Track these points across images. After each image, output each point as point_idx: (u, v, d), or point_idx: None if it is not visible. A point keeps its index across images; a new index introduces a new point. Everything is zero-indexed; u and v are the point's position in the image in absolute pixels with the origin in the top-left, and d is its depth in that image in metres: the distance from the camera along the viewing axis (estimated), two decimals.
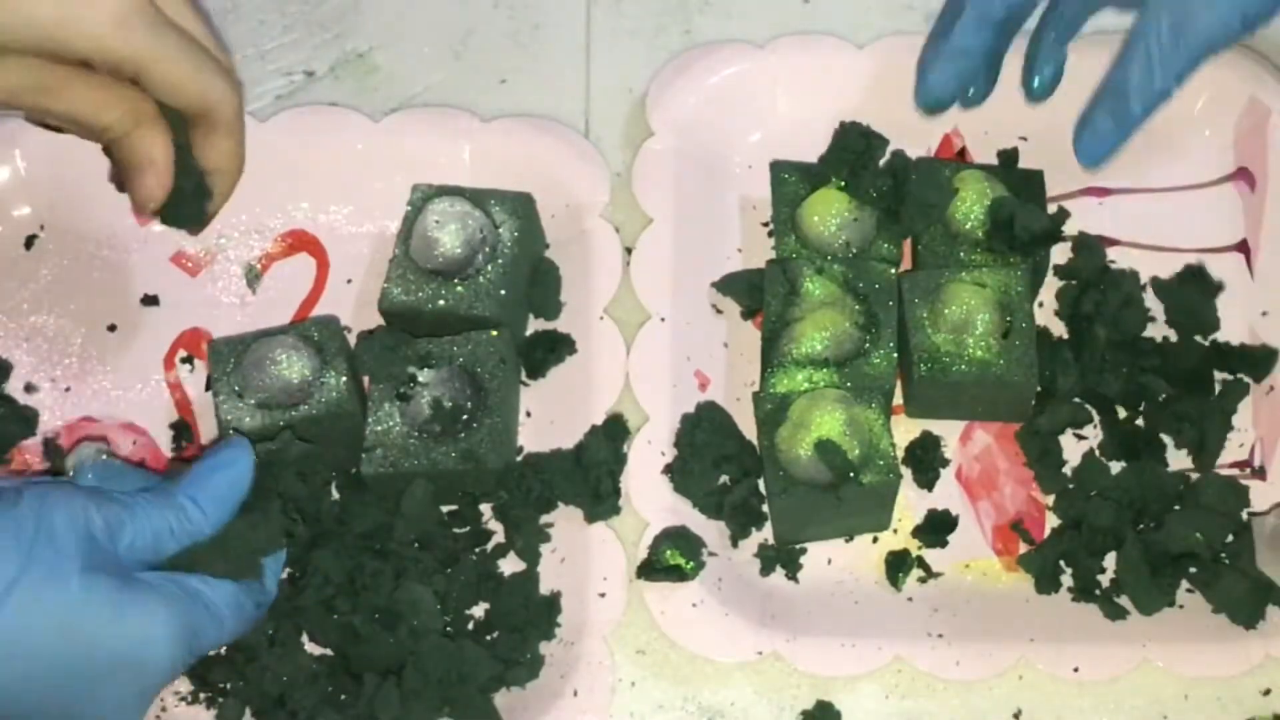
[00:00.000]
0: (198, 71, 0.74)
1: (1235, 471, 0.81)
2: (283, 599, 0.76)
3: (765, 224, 0.86)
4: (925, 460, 0.81)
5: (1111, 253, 0.86)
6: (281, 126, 0.88)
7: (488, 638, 0.77)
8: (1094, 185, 0.87)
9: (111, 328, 0.87)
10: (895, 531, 0.81)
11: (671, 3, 0.93)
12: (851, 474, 0.76)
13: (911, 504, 0.81)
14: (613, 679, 0.77)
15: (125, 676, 0.69)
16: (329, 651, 0.77)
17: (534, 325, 0.85)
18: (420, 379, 0.80)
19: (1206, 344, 0.82)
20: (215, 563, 0.72)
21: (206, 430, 0.84)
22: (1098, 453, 0.81)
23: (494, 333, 0.81)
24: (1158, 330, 0.83)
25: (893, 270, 0.82)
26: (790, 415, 0.78)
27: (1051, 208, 0.85)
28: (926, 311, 0.80)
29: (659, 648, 0.78)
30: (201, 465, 0.74)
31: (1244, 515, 0.79)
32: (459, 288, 0.81)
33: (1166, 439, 0.81)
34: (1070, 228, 0.85)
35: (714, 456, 0.80)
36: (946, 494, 0.81)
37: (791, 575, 0.80)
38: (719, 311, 0.85)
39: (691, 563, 0.78)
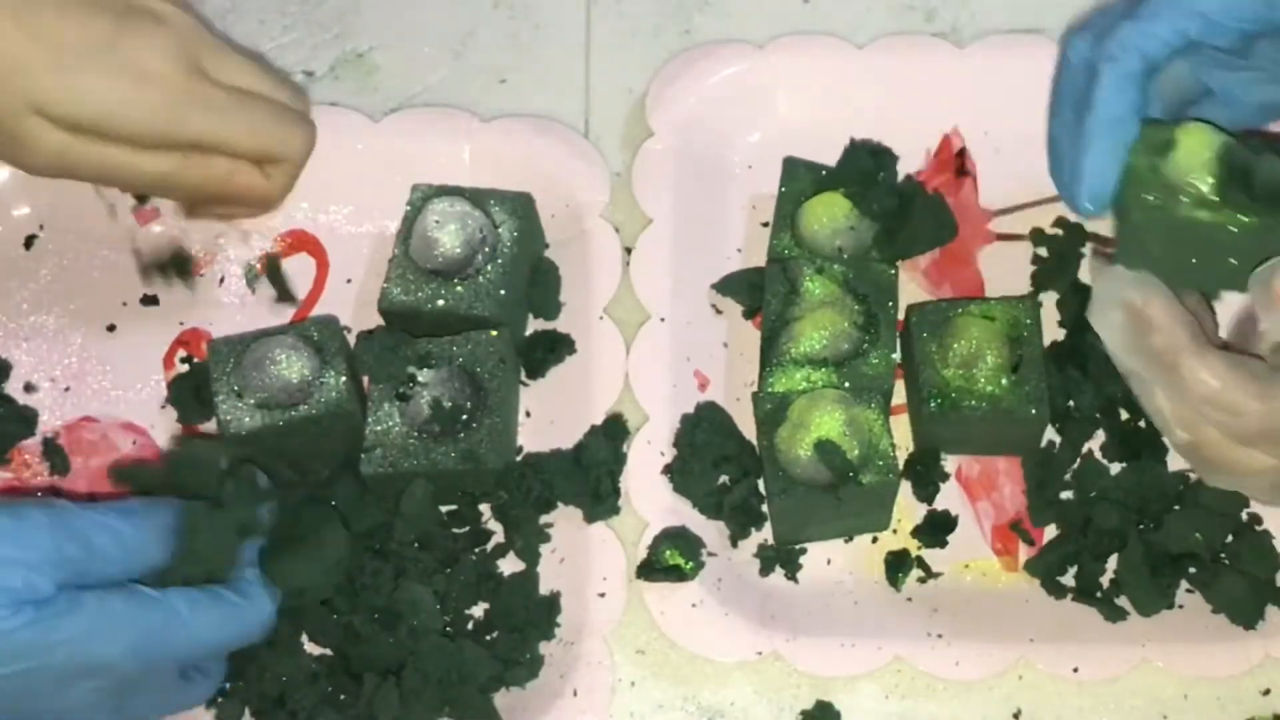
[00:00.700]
0: (258, 132, 0.79)
1: None
2: (283, 600, 0.76)
3: (765, 224, 0.86)
4: (925, 475, 0.81)
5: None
6: None
7: (487, 638, 0.77)
8: None
9: (111, 328, 0.87)
10: (895, 531, 0.81)
11: (671, 3, 0.93)
12: (851, 474, 0.76)
13: (911, 504, 0.81)
14: (612, 679, 0.77)
15: (86, 686, 0.68)
16: (329, 651, 0.77)
17: (534, 325, 0.85)
18: (420, 379, 0.80)
19: None
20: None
21: (205, 429, 0.84)
22: (1098, 453, 0.81)
23: (494, 333, 0.81)
24: None
25: (892, 271, 0.82)
26: (790, 415, 0.78)
27: (1051, 209, 0.85)
28: (935, 345, 0.79)
29: (659, 648, 0.78)
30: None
31: (1244, 516, 0.79)
32: (459, 288, 0.81)
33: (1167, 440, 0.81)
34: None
35: (713, 456, 0.80)
36: (946, 494, 0.81)
37: (791, 575, 0.80)
38: (718, 311, 0.85)
39: (691, 563, 0.78)
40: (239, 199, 0.81)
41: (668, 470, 0.81)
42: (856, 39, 0.89)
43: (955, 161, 0.88)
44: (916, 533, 0.80)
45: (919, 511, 0.81)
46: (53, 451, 0.83)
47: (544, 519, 0.80)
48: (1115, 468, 0.80)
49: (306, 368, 0.80)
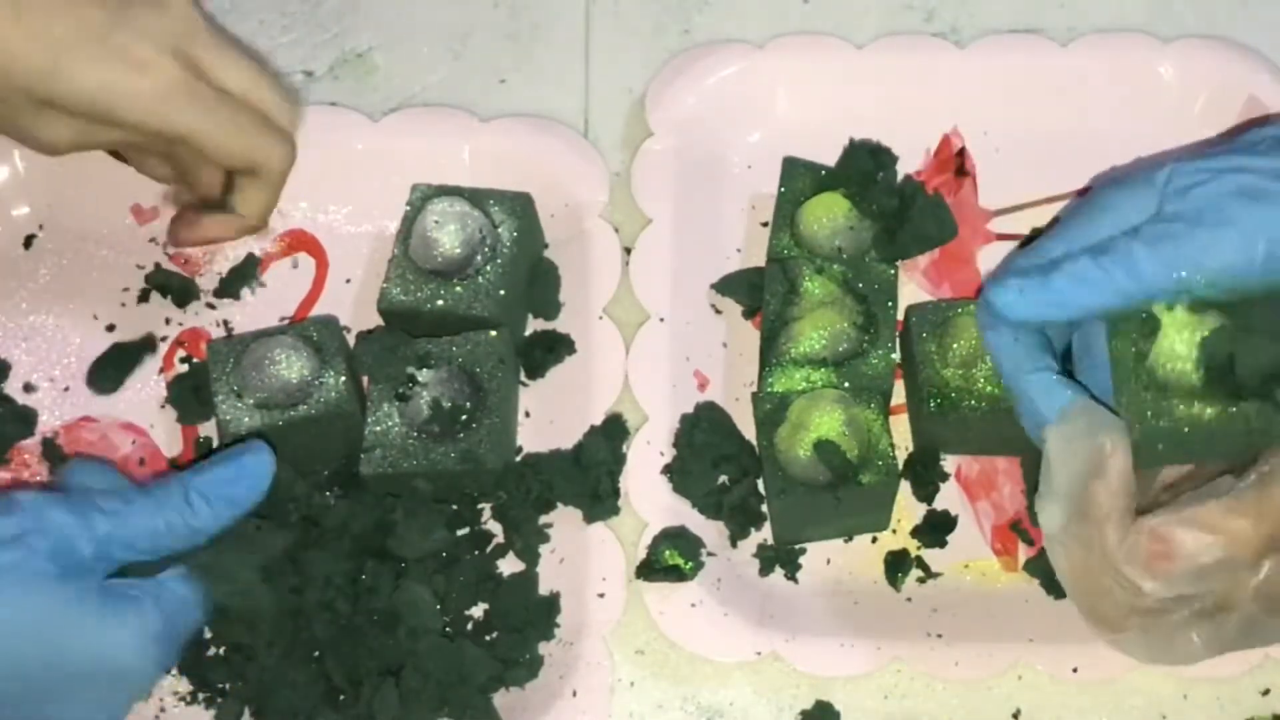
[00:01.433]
0: (241, 138, 0.79)
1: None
2: (282, 599, 0.76)
3: (764, 224, 0.86)
4: (925, 475, 0.81)
5: None
6: None
7: (487, 638, 0.77)
8: (1093, 185, 0.87)
9: (110, 327, 0.86)
10: (894, 532, 0.81)
11: (670, 2, 0.93)
12: (850, 474, 0.76)
13: (911, 504, 0.81)
14: (612, 679, 0.77)
15: (99, 684, 0.69)
16: (329, 652, 0.77)
17: (533, 325, 0.85)
18: (419, 379, 0.80)
19: None
20: (208, 566, 0.73)
21: (204, 429, 0.84)
22: None
23: (493, 333, 0.81)
24: None
25: (891, 271, 0.82)
26: (789, 415, 0.78)
27: (1050, 209, 0.85)
28: (934, 345, 0.79)
29: (658, 648, 0.78)
30: (222, 469, 0.74)
31: None
32: (458, 288, 0.81)
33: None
34: None
35: (713, 457, 0.80)
36: (946, 494, 0.81)
37: (790, 575, 0.80)
38: (718, 311, 0.85)
39: (690, 563, 0.78)
40: (197, 188, 0.83)
41: (667, 470, 0.81)
42: (856, 39, 0.89)
43: (955, 161, 0.88)
44: (916, 533, 0.81)
45: (918, 511, 0.81)
46: (52, 451, 0.83)
47: (543, 519, 0.80)
48: None
49: (306, 368, 0.80)
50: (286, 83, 0.90)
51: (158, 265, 0.87)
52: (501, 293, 0.81)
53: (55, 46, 0.75)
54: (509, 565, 0.80)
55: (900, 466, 0.79)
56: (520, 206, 0.84)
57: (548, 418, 0.83)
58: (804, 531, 0.80)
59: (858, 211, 0.83)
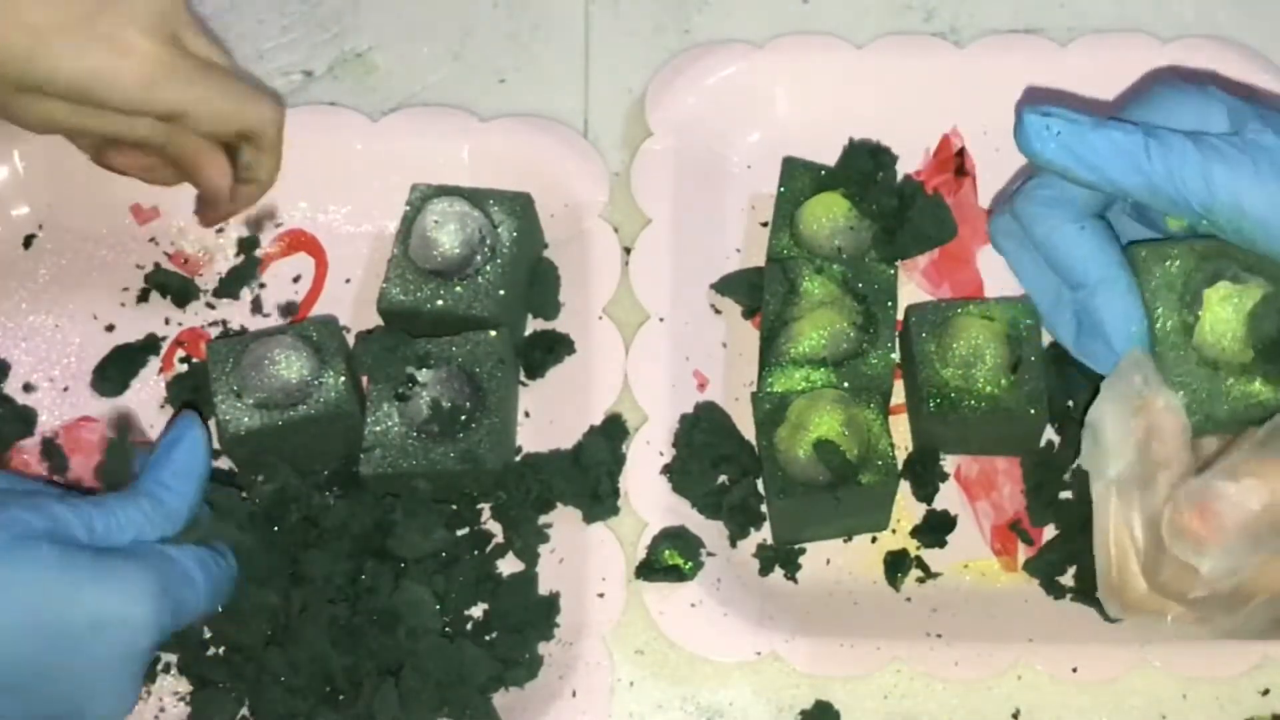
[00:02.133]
0: (235, 104, 0.81)
1: None
2: (282, 600, 0.76)
3: (764, 224, 0.86)
4: (924, 475, 0.81)
5: None
6: None
7: (486, 638, 0.77)
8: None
9: (110, 327, 0.86)
10: (894, 532, 0.81)
11: (670, 2, 0.93)
12: (850, 474, 0.76)
13: (910, 504, 0.81)
14: (611, 679, 0.77)
15: (109, 636, 0.68)
16: (328, 652, 0.77)
17: (533, 325, 0.85)
18: (419, 379, 0.80)
19: None
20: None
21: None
22: None
23: (493, 333, 0.81)
24: None
25: (891, 271, 0.82)
26: (789, 415, 0.78)
27: None
28: (934, 346, 0.79)
29: (658, 648, 0.78)
30: (157, 451, 0.75)
31: None
32: (458, 288, 0.81)
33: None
34: None
35: (713, 457, 0.80)
36: (945, 494, 0.81)
37: (790, 575, 0.80)
38: (718, 311, 0.85)
39: (690, 563, 0.78)
40: (209, 184, 0.83)
41: (667, 470, 0.81)
42: (856, 39, 0.89)
43: (954, 161, 0.88)
44: (916, 533, 0.80)
45: (918, 511, 0.81)
46: (51, 451, 0.83)
47: (543, 519, 0.80)
48: None
49: (305, 368, 0.80)
50: (282, 80, 0.91)
51: (157, 265, 0.87)
52: (501, 293, 0.81)
53: (38, 33, 0.75)
54: (508, 565, 0.80)
55: (900, 466, 0.79)
56: (520, 206, 0.83)
57: (547, 418, 0.83)
58: (803, 531, 0.80)
59: (857, 211, 0.83)
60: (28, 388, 0.85)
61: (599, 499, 0.79)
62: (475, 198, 0.83)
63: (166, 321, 0.86)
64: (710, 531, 0.80)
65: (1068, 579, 0.79)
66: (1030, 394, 0.78)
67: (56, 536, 0.68)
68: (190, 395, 0.84)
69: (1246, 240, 0.70)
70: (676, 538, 0.79)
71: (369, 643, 0.76)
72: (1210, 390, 0.70)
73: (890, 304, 0.81)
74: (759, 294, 0.83)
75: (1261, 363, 0.69)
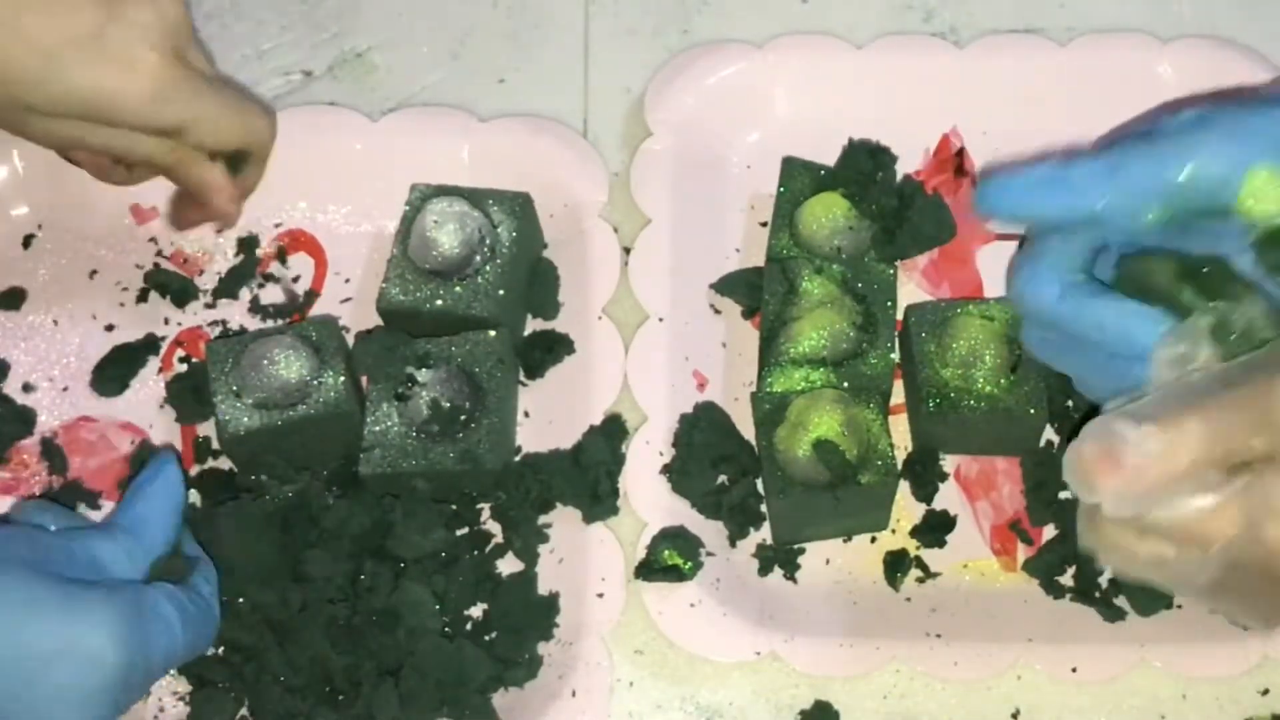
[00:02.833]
0: (237, 119, 0.81)
1: None
2: (281, 600, 0.76)
3: (764, 224, 0.86)
4: (924, 475, 0.81)
5: None
6: (280, 126, 0.88)
7: (486, 638, 0.77)
8: None
9: (109, 327, 0.86)
10: (894, 531, 0.81)
11: (670, 2, 0.93)
12: (850, 474, 0.76)
13: (910, 504, 0.81)
14: (611, 679, 0.77)
15: (69, 668, 0.66)
16: (328, 652, 0.77)
17: (532, 325, 0.85)
18: (418, 379, 0.80)
19: None
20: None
21: (204, 429, 0.84)
22: None
23: (492, 333, 0.81)
24: None
25: (891, 271, 0.82)
26: (788, 415, 0.78)
27: None
28: (934, 345, 0.79)
29: (657, 648, 0.78)
30: (133, 488, 0.75)
31: None
32: (457, 288, 0.81)
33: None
34: None
35: (712, 457, 0.80)
36: (945, 494, 0.81)
37: (790, 575, 0.80)
38: (717, 311, 0.85)
39: (690, 563, 0.78)
40: (201, 190, 0.83)
41: (666, 470, 0.81)
42: (855, 39, 0.89)
43: (954, 161, 0.88)
44: (915, 533, 0.80)
45: (918, 511, 0.81)
46: (51, 451, 0.83)
47: (542, 519, 0.80)
48: None
49: (305, 368, 0.80)
50: (282, 80, 0.91)
51: (156, 265, 0.87)
52: (501, 293, 0.81)
53: (50, 55, 0.75)
54: (508, 565, 0.80)
55: (899, 466, 0.79)
56: (519, 206, 0.83)
57: (547, 418, 0.83)
58: (803, 531, 0.80)
59: (857, 211, 0.83)
60: (27, 388, 0.85)
61: (598, 499, 0.79)
62: (475, 198, 0.83)
63: (166, 321, 0.86)
64: (710, 531, 0.80)
65: (1067, 579, 0.79)
66: (1030, 394, 0.78)
67: (33, 564, 0.68)
68: (190, 395, 0.84)
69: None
70: (676, 538, 0.79)
71: (368, 643, 0.76)
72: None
73: (890, 304, 0.81)
74: (758, 294, 0.83)
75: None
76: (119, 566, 0.71)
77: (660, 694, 0.78)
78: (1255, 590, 0.59)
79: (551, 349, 0.84)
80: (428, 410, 0.79)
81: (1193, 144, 0.63)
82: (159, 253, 0.88)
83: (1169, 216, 0.64)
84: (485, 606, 0.79)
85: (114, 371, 0.84)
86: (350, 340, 0.84)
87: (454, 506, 0.80)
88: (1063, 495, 0.80)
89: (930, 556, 0.80)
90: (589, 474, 0.80)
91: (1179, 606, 0.78)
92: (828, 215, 0.83)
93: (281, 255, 0.87)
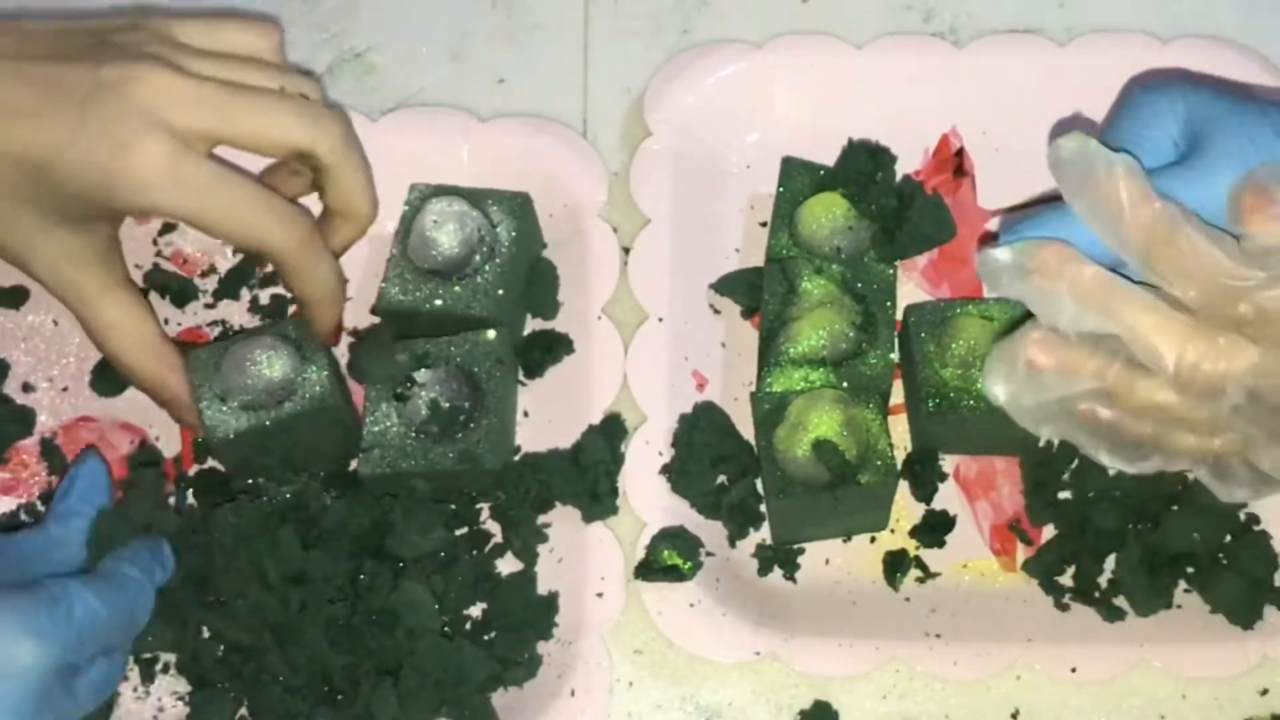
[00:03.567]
0: (251, 218, 0.76)
1: None
2: (280, 600, 0.76)
3: (763, 224, 0.86)
4: (923, 475, 0.81)
5: None
6: None
7: (485, 638, 0.77)
8: None
9: None
10: (893, 531, 0.81)
11: (669, 2, 0.93)
12: (849, 474, 0.76)
13: (909, 504, 0.81)
14: (610, 679, 0.77)
15: None
16: (327, 652, 0.77)
17: (532, 325, 0.85)
18: (417, 379, 0.80)
19: None
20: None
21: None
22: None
23: (491, 333, 0.81)
24: None
25: (890, 271, 0.82)
26: (788, 415, 0.78)
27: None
28: (933, 345, 0.79)
29: (656, 648, 0.78)
30: (60, 486, 0.76)
31: (1242, 516, 0.79)
32: (456, 288, 0.81)
33: None
34: None
35: (712, 456, 0.80)
36: (944, 494, 0.81)
37: (789, 575, 0.80)
38: (717, 311, 0.85)
39: (689, 563, 0.78)
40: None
41: (666, 470, 0.81)
42: (855, 39, 0.89)
43: (953, 161, 0.88)
44: (915, 533, 0.81)
45: (917, 511, 0.81)
46: (51, 451, 0.83)
47: (542, 519, 0.80)
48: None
49: (287, 365, 0.79)
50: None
51: (156, 265, 0.87)
52: (500, 292, 0.81)
53: (39, 155, 0.73)
54: (507, 565, 0.80)
55: (899, 466, 0.79)
56: (519, 206, 0.83)
57: (546, 418, 0.83)
58: (803, 531, 0.80)
59: (856, 211, 0.83)
60: (27, 388, 0.85)
61: (598, 499, 0.79)
62: (474, 197, 0.83)
63: (166, 321, 0.86)
64: (709, 531, 0.80)
65: (1067, 579, 0.79)
66: None
67: None
68: None
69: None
70: (675, 537, 0.79)
71: (368, 643, 0.76)
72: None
73: (889, 304, 0.81)
74: (758, 294, 0.83)
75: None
76: (48, 561, 0.72)
77: (660, 694, 0.78)
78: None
79: (551, 349, 0.84)
80: (427, 410, 0.79)
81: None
82: (159, 253, 0.88)
83: None
84: (484, 606, 0.79)
85: (114, 372, 0.84)
86: (348, 340, 0.84)
87: (453, 506, 0.80)
88: (1062, 495, 0.80)
89: (930, 556, 0.80)
90: (588, 474, 0.80)
91: (1179, 607, 0.78)
92: (827, 215, 0.83)
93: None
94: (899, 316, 0.82)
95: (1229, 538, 0.78)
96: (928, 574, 0.80)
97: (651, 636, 0.78)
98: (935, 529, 0.80)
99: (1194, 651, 0.76)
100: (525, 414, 0.83)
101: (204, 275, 0.87)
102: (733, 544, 0.80)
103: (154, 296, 0.87)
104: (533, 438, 0.82)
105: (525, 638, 0.77)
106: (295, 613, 0.76)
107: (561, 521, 0.80)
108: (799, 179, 0.84)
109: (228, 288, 0.87)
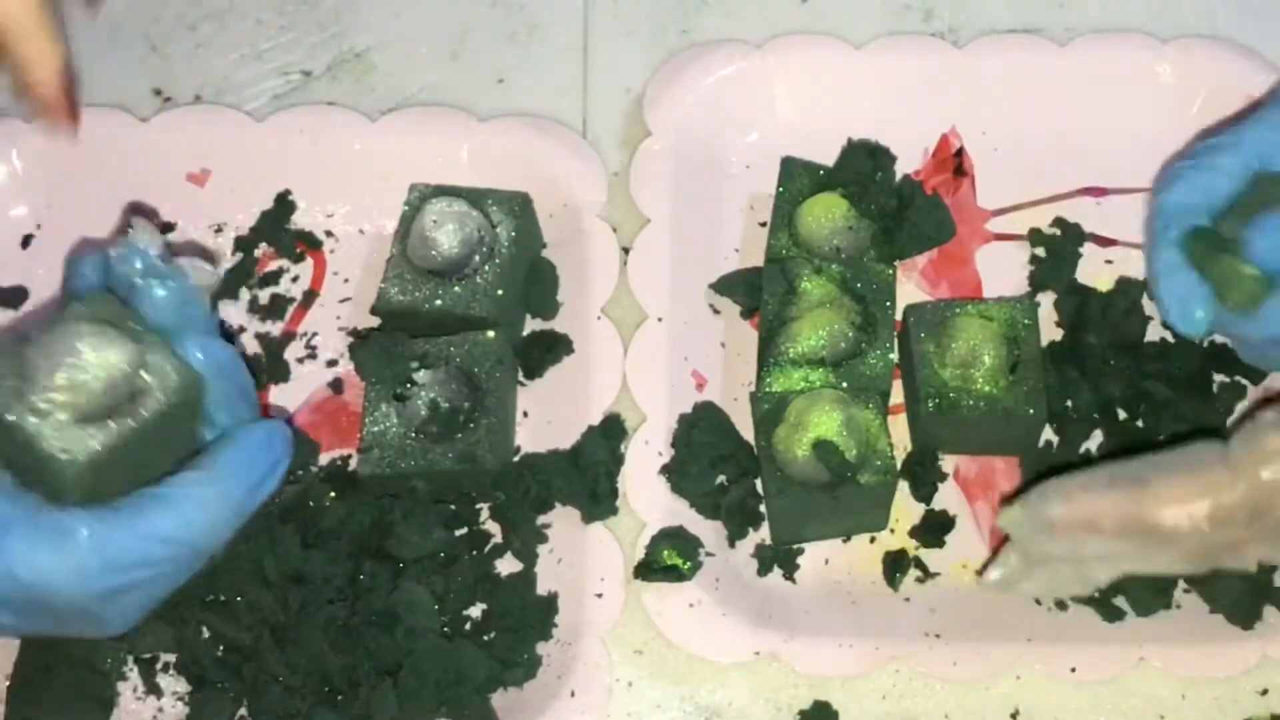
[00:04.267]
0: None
1: None
2: (280, 600, 0.76)
3: (763, 224, 0.86)
4: (923, 475, 0.81)
5: (1108, 252, 0.86)
6: (279, 126, 0.88)
7: (485, 638, 0.77)
8: (1092, 185, 0.87)
9: None
10: (893, 531, 0.81)
11: (669, 2, 0.93)
12: (849, 474, 0.76)
13: (909, 504, 0.81)
14: (610, 679, 0.77)
15: (20, 600, 0.68)
16: (326, 652, 0.77)
17: (531, 325, 0.85)
18: (417, 379, 0.80)
19: (1205, 346, 0.82)
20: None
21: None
22: (1095, 454, 0.81)
23: (491, 333, 0.81)
24: (1154, 331, 0.83)
25: (890, 271, 0.82)
26: (788, 415, 0.78)
27: (1049, 209, 0.86)
28: (933, 345, 0.79)
29: (656, 648, 0.78)
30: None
31: None
32: (456, 288, 0.81)
33: (1165, 440, 0.81)
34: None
35: (711, 457, 0.80)
36: (944, 494, 0.81)
37: (789, 575, 0.80)
38: (716, 311, 0.85)
39: (689, 563, 0.78)
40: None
41: (665, 470, 0.81)
42: (854, 39, 0.89)
43: (953, 161, 0.88)
44: (914, 533, 0.80)
45: (917, 511, 0.81)
46: None
47: (541, 519, 0.80)
48: None
49: (123, 353, 0.66)
50: (281, 80, 0.90)
51: None
52: (500, 292, 0.81)
53: None
54: (507, 565, 0.80)
55: (899, 466, 0.79)
56: (518, 206, 0.83)
57: (546, 418, 0.83)
58: (802, 531, 0.80)
59: (856, 211, 0.83)
60: None
61: (597, 499, 0.79)
62: (474, 197, 0.83)
63: None
64: (709, 531, 0.80)
65: None
66: (1029, 394, 0.78)
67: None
68: None
69: None
70: (675, 538, 0.79)
71: (367, 643, 0.76)
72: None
73: (889, 304, 0.81)
74: (757, 294, 0.83)
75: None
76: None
77: (659, 694, 0.78)
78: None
79: (550, 349, 0.84)
80: (426, 410, 0.79)
81: None
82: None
83: None
84: (484, 607, 0.79)
85: None
86: (347, 340, 0.84)
87: (453, 507, 0.80)
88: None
89: (929, 556, 0.80)
90: (588, 474, 0.80)
91: (1178, 607, 0.78)
92: (827, 215, 0.83)
93: (281, 254, 0.87)
94: (899, 316, 0.82)
95: None
96: (927, 574, 0.80)
97: (651, 637, 0.78)
98: (935, 529, 0.80)
99: (1194, 651, 0.76)
100: (525, 414, 0.83)
101: None
102: (732, 544, 0.80)
103: None
104: (532, 438, 0.82)
105: (525, 638, 0.77)
106: (295, 613, 0.76)
107: (561, 522, 0.80)
108: (799, 179, 0.84)
109: (227, 288, 0.87)
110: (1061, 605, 0.78)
